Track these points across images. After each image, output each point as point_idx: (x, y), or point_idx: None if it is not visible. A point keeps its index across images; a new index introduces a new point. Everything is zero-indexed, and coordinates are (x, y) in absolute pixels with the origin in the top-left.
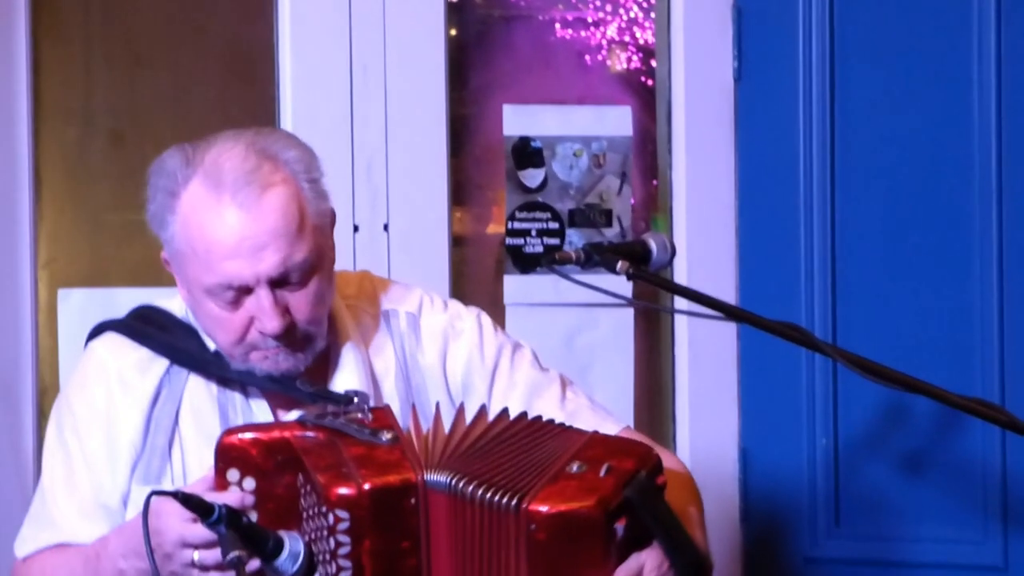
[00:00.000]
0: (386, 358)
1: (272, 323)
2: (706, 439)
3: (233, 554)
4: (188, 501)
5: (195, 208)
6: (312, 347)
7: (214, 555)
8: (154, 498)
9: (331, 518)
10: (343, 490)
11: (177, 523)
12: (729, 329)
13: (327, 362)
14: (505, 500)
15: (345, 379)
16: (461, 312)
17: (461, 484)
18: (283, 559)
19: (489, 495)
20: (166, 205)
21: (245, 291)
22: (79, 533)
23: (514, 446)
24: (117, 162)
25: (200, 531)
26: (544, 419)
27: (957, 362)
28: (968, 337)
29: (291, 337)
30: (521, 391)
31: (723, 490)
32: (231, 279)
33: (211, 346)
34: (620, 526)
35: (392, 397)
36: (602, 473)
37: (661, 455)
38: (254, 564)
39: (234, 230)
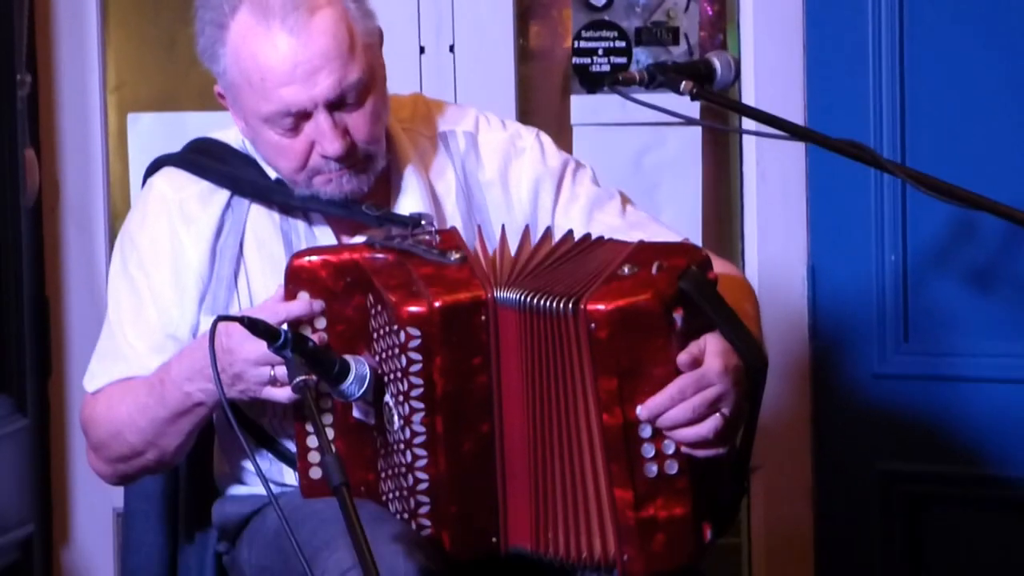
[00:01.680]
0: (446, 179)
1: (333, 145)
2: (774, 257)
3: (300, 378)
4: (254, 326)
5: (245, 38)
6: (373, 167)
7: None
8: (222, 322)
9: (402, 336)
10: (414, 308)
11: (250, 342)
12: (798, 147)
13: (388, 186)
14: (563, 305)
15: (408, 202)
16: (520, 131)
17: (528, 298)
18: (349, 383)
19: (547, 302)
20: (215, 38)
21: (303, 116)
22: (149, 366)
23: (573, 260)
24: None
25: None
26: (606, 235)
27: None
28: None
29: (352, 158)
30: (583, 204)
31: (791, 307)
32: (288, 105)
33: (271, 175)
34: (678, 316)
35: (454, 217)
36: (654, 271)
37: (715, 262)
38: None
39: (286, 56)
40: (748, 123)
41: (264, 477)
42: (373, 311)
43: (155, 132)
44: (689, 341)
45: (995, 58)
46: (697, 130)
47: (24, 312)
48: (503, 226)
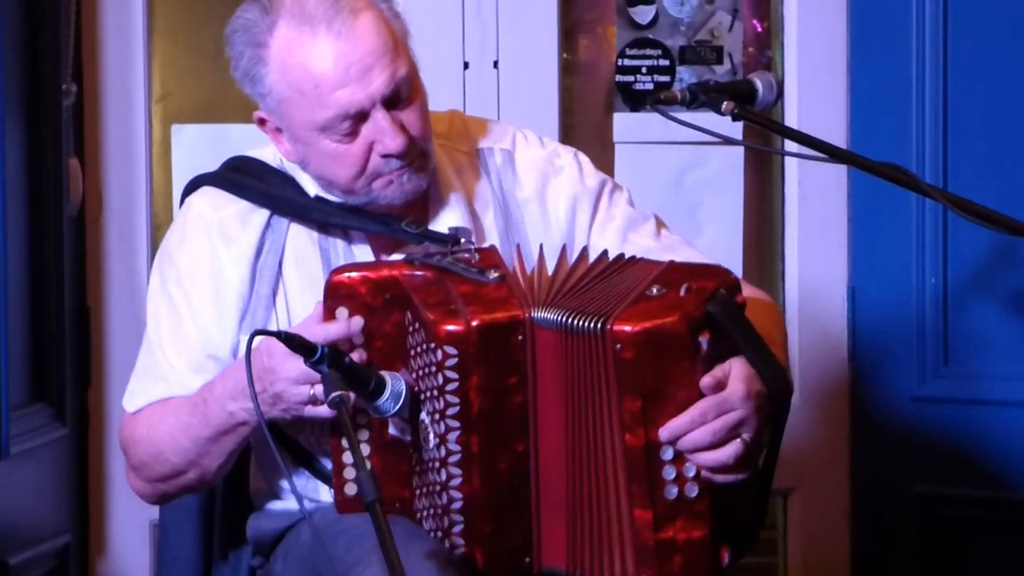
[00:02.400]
0: (483, 195)
1: (396, 141)
2: (815, 277)
3: (336, 394)
4: (291, 341)
5: (291, 50)
6: (428, 165)
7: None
8: (264, 341)
9: (439, 354)
10: (451, 327)
11: (291, 361)
12: (839, 168)
13: (426, 201)
14: (592, 325)
15: (447, 217)
16: (558, 149)
17: (563, 318)
18: (385, 399)
19: (579, 322)
20: (256, 58)
21: (361, 118)
22: (189, 385)
23: (606, 280)
24: None
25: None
26: (639, 255)
27: None
28: None
29: (412, 154)
30: (618, 224)
31: (831, 328)
32: (347, 107)
33: (311, 191)
34: (704, 339)
35: (491, 233)
36: (682, 293)
37: (744, 287)
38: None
39: (338, 59)
40: (790, 144)
41: (298, 494)
42: (411, 328)
43: (199, 143)
44: (714, 364)
45: None
46: (739, 150)
47: (65, 321)
48: (541, 246)
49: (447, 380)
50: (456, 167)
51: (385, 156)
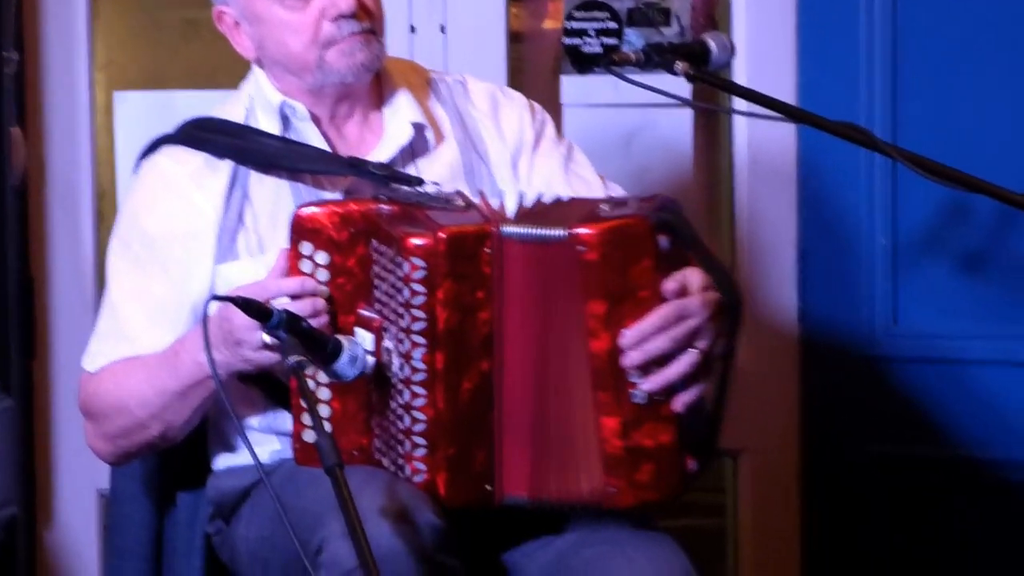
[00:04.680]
0: (438, 112)
1: (346, 1)
2: (765, 239)
3: (293, 358)
4: (248, 306)
5: None
6: (380, 40)
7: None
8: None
9: (407, 267)
10: (419, 240)
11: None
12: (788, 130)
13: (381, 101)
14: (555, 232)
15: (402, 112)
16: (506, 89)
17: (530, 229)
18: (342, 362)
19: (545, 231)
20: None
21: None
22: (156, 344)
23: (563, 208)
24: None
25: None
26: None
27: (1018, 161)
28: None
29: (362, 21)
30: (563, 153)
31: (782, 290)
32: None
33: (274, 131)
34: (664, 239)
35: (451, 138)
36: (636, 208)
37: None
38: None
39: None
40: (743, 105)
41: (256, 457)
42: (376, 255)
43: (142, 111)
44: (673, 270)
45: (989, 40)
46: (688, 112)
47: (8, 292)
48: (502, 193)
49: (413, 293)
50: (410, 86)
51: (336, 20)
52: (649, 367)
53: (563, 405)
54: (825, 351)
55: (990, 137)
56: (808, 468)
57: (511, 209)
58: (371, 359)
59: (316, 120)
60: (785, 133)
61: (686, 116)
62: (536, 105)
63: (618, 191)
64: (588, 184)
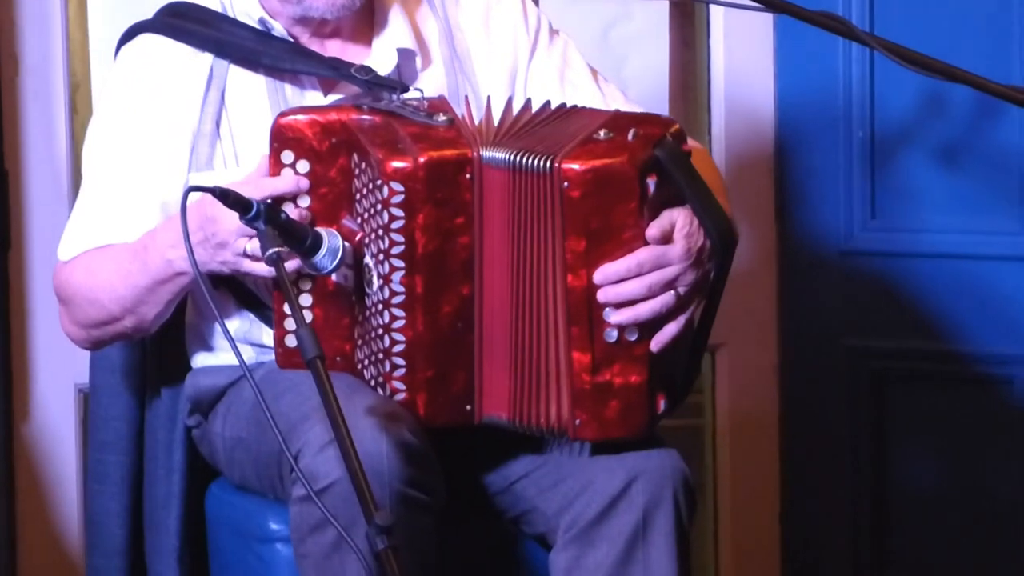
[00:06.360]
0: (428, 22)
1: None
2: (741, 135)
3: (272, 250)
4: (226, 197)
5: None
6: None
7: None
8: (198, 192)
9: (385, 191)
10: (398, 163)
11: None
12: (765, 21)
13: (371, 27)
14: (538, 163)
15: (391, 37)
16: None
17: (512, 156)
18: (321, 256)
19: (528, 160)
20: None
21: None
22: (131, 233)
23: (553, 124)
24: None
25: None
26: (580, 100)
27: (996, 50)
28: (1008, 25)
29: None
30: (557, 62)
31: (759, 185)
32: None
33: (254, 23)
34: (651, 182)
35: (437, 59)
36: (630, 137)
37: None
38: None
39: None
40: None
41: (238, 351)
42: (357, 170)
43: (116, 1)
44: (660, 211)
45: None
46: (664, 4)
47: None
48: (488, 97)
49: (392, 218)
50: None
51: None
52: (622, 308)
53: (538, 335)
54: (802, 245)
55: (968, 27)
56: (786, 361)
57: (497, 117)
58: (349, 246)
59: (295, 40)
60: (762, 24)
61: (662, 8)
62: (530, 8)
63: (613, 92)
64: (583, 93)
